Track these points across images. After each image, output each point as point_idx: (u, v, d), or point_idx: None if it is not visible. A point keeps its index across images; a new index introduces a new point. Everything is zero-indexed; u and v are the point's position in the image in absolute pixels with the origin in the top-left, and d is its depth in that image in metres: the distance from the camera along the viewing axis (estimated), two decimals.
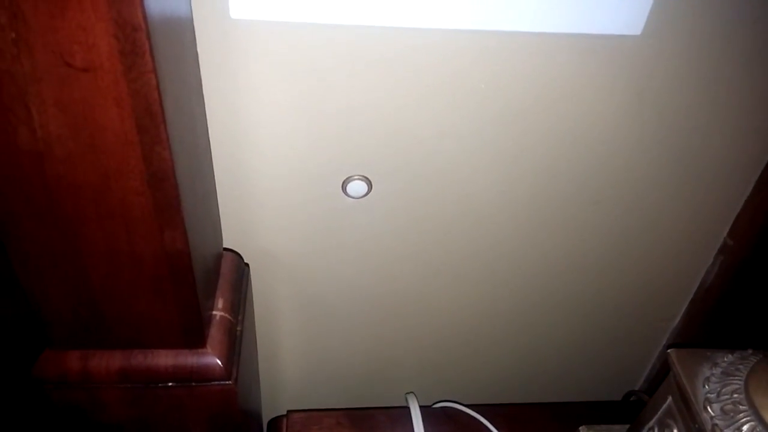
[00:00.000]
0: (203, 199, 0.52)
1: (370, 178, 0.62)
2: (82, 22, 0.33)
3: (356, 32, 0.51)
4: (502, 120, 0.58)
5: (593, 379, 0.88)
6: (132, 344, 0.50)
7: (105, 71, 0.34)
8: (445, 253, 0.70)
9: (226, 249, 0.63)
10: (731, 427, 0.44)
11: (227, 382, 0.52)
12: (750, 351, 0.50)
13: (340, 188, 0.62)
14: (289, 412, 0.72)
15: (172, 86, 0.39)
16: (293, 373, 0.82)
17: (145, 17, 0.33)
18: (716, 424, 0.45)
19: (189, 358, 0.51)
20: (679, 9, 0.52)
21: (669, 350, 0.51)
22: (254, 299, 0.70)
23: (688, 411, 0.48)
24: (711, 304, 0.75)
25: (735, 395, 0.46)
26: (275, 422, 0.72)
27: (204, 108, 0.53)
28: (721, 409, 0.46)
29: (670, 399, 0.52)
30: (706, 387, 0.48)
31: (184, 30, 0.44)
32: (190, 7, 0.47)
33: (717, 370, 0.49)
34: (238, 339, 0.55)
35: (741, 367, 0.49)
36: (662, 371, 0.84)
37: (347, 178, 0.61)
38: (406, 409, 0.69)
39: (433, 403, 0.75)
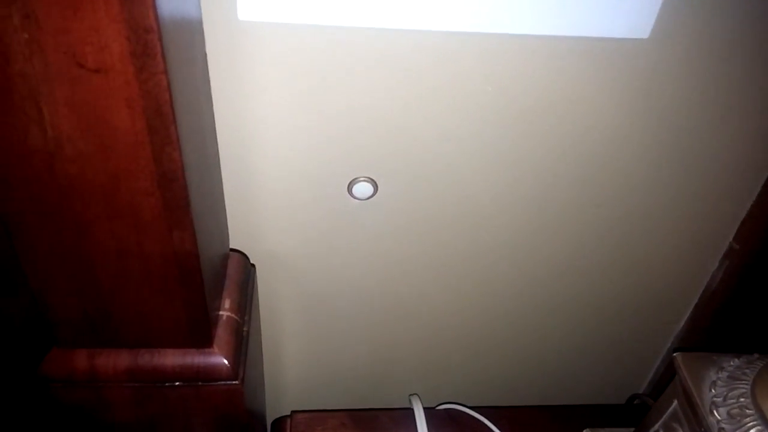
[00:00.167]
0: (211, 199, 0.52)
1: (375, 180, 0.62)
2: (94, 24, 0.33)
3: (363, 34, 0.51)
4: (507, 122, 0.58)
5: (597, 383, 0.88)
6: (139, 343, 0.50)
7: (116, 72, 0.35)
8: (450, 255, 0.70)
9: (232, 250, 0.64)
10: (738, 431, 0.44)
11: (234, 382, 0.52)
12: (756, 355, 0.50)
13: (346, 190, 0.62)
14: (293, 412, 0.72)
15: (183, 87, 0.39)
16: (297, 374, 0.82)
17: (157, 19, 0.33)
18: (723, 428, 0.45)
19: (196, 358, 0.51)
20: (687, 12, 0.52)
21: (675, 354, 0.51)
22: (259, 300, 0.70)
23: (694, 415, 0.48)
24: (716, 308, 0.75)
25: (742, 399, 0.46)
26: (279, 423, 0.72)
27: (212, 109, 0.53)
28: (728, 413, 0.46)
29: (675, 403, 0.52)
30: (713, 391, 0.48)
31: (193, 32, 0.45)
32: (200, 9, 0.47)
33: (723, 374, 0.49)
34: (244, 339, 0.56)
35: (747, 371, 0.49)
36: (666, 375, 0.84)
37: (353, 180, 0.62)
38: (410, 411, 0.69)
39: (437, 405, 0.75)
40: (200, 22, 0.48)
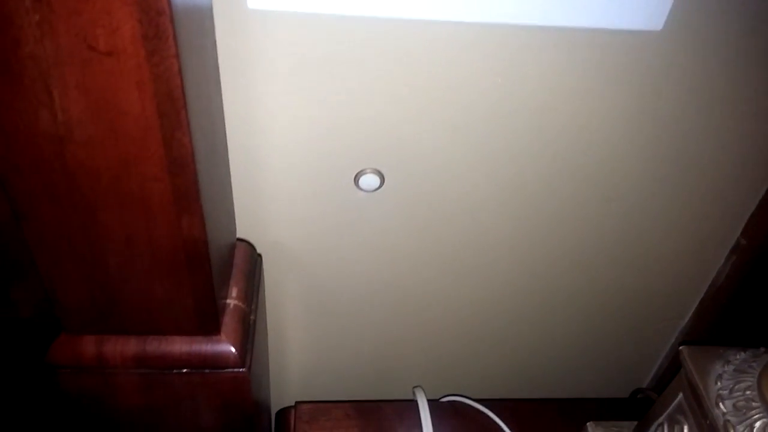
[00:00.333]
0: (220, 187, 0.52)
1: (382, 172, 0.62)
2: (106, 6, 0.33)
3: (372, 24, 0.51)
4: (517, 114, 0.58)
5: (601, 377, 0.88)
6: (147, 330, 0.50)
7: (128, 55, 0.35)
8: (456, 248, 0.70)
9: (239, 239, 0.64)
10: (743, 424, 0.44)
11: (241, 370, 0.52)
12: (763, 349, 0.50)
13: (353, 181, 0.62)
14: (297, 403, 0.72)
15: (193, 72, 0.39)
16: (301, 365, 0.82)
17: (169, 2, 0.33)
18: (728, 420, 0.45)
19: (203, 345, 0.51)
20: (702, 4, 0.51)
21: (681, 347, 0.51)
22: (265, 290, 0.70)
23: (699, 407, 0.48)
24: (721, 304, 0.75)
25: (748, 392, 0.46)
26: (284, 413, 0.73)
27: (221, 97, 0.53)
28: (734, 405, 0.46)
29: (680, 395, 0.52)
30: (719, 384, 0.48)
31: (204, 18, 0.45)
32: None
33: (729, 368, 0.49)
34: (251, 328, 0.56)
35: (754, 364, 0.48)
36: (670, 370, 0.84)
37: (360, 172, 0.61)
38: (414, 403, 0.69)
39: (441, 397, 0.75)
40: (210, 9, 0.47)
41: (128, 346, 0.50)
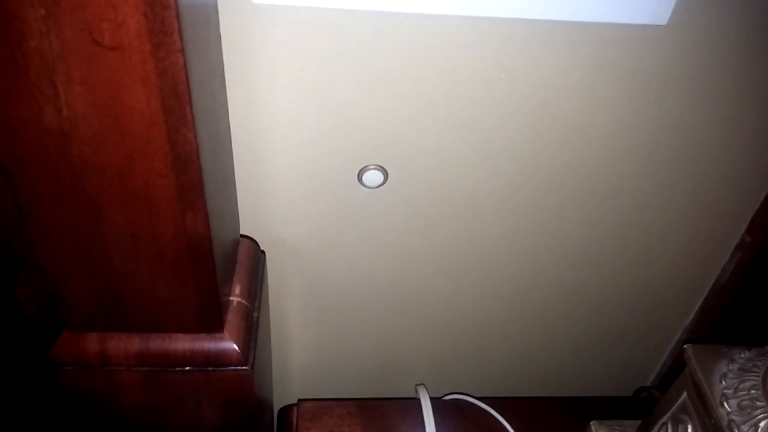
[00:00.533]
0: (224, 183, 0.52)
1: (386, 168, 0.62)
2: (111, 0, 0.33)
3: (376, 19, 0.51)
4: (521, 110, 0.58)
5: (604, 375, 0.88)
6: (150, 327, 0.50)
7: (133, 50, 0.34)
8: (460, 245, 0.70)
9: (242, 236, 0.63)
10: (748, 423, 0.44)
11: (244, 368, 0.52)
12: None
13: (356, 178, 0.62)
14: (299, 400, 0.72)
15: (198, 67, 0.39)
16: (304, 363, 0.82)
17: None
18: (733, 420, 0.45)
19: (206, 343, 0.51)
20: None
21: (685, 345, 0.51)
22: (268, 287, 0.70)
23: (703, 406, 0.48)
24: (726, 301, 0.74)
25: (752, 391, 0.46)
26: (286, 411, 0.72)
27: (225, 92, 0.53)
28: (738, 404, 0.46)
29: (685, 394, 0.52)
30: (723, 383, 0.48)
31: (209, 12, 0.44)
32: None
33: (734, 366, 0.49)
34: (254, 325, 0.55)
35: (759, 363, 0.48)
36: (674, 368, 0.83)
37: (363, 168, 0.61)
38: (417, 401, 0.69)
39: (444, 395, 0.75)
40: (215, 4, 0.47)
41: (131, 344, 0.50)
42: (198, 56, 0.39)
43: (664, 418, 0.55)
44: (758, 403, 0.45)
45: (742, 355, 0.49)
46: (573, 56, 0.54)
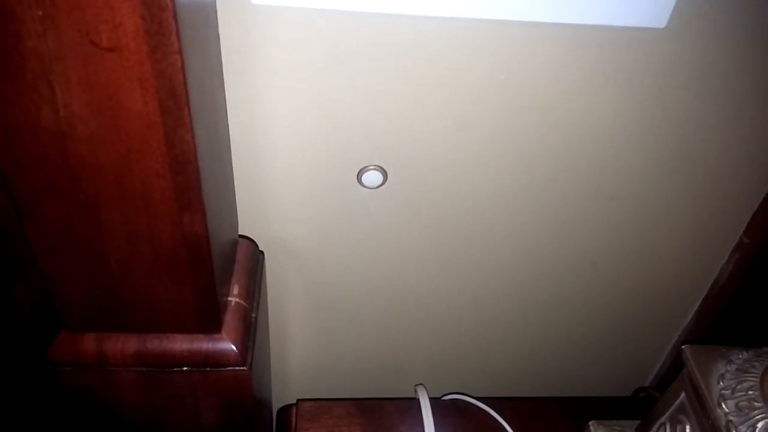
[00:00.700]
0: (222, 184, 0.52)
1: (385, 169, 0.61)
2: (108, 1, 0.32)
3: (376, 20, 0.51)
4: (520, 112, 0.58)
5: (603, 375, 0.88)
6: (148, 328, 0.50)
7: (130, 51, 0.34)
8: (460, 245, 0.70)
9: (241, 236, 0.63)
10: (746, 424, 0.44)
11: (242, 368, 0.52)
12: (766, 348, 0.50)
13: (356, 178, 0.62)
14: (298, 401, 0.72)
15: (196, 69, 0.39)
16: (303, 363, 0.82)
17: None
18: (731, 421, 0.45)
19: (204, 343, 0.51)
20: (706, 0, 0.51)
21: (683, 346, 0.51)
22: (267, 287, 0.70)
23: (701, 407, 0.48)
24: (724, 302, 0.74)
25: (750, 392, 0.46)
26: (285, 411, 0.72)
27: (224, 92, 0.53)
28: (736, 405, 0.46)
29: (683, 395, 0.52)
30: (721, 383, 0.48)
31: (207, 13, 0.44)
32: None
33: (732, 367, 0.49)
34: (252, 326, 0.55)
35: (757, 364, 0.48)
36: (673, 368, 0.83)
37: (362, 168, 0.61)
38: (416, 401, 0.69)
39: (443, 395, 0.75)
40: (214, 4, 0.47)
41: (129, 344, 0.50)
42: (196, 57, 0.39)
43: (663, 419, 0.55)
44: (756, 403, 0.45)
45: (740, 356, 0.49)
46: (572, 59, 0.54)
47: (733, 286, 0.73)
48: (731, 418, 0.45)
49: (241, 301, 0.55)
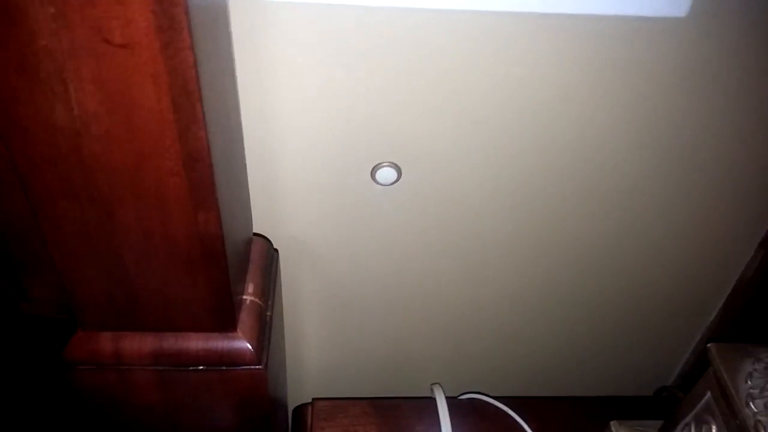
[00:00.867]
0: (236, 181, 0.52)
1: (399, 165, 0.61)
2: None
3: (389, 14, 0.50)
4: (537, 106, 0.57)
5: (624, 374, 0.87)
6: (164, 327, 0.50)
7: (142, 47, 0.34)
8: (475, 243, 0.69)
9: (255, 234, 0.63)
10: None
11: (257, 367, 0.52)
12: None
13: (369, 175, 0.61)
14: (314, 400, 0.72)
15: (209, 65, 0.39)
16: (318, 361, 0.82)
17: None
18: (759, 420, 0.44)
19: (220, 342, 0.51)
20: None
21: (709, 344, 0.50)
22: (281, 286, 0.70)
23: (728, 407, 0.47)
24: (749, 299, 0.73)
25: None
26: (301, 410, 0.72)
27: (236, 89, 0.53)
28: (765, 405, 0.45)
29: (708, 394, 0.51)
30: (749, 382, 0.47)
31: (219, 9, 0.44)
32: None
33: (760, 365, 0.48)
34: (267, 324, 0.55)
35: None
36: (696, 367, 0.82)
37: (377, 165, 0.61)
38: (432, 400, 0.69)
39: (460, 395, 0.74)
40: (225, 0, 0.47)
41: (145, 343, 0.50)
42: (208, 54, 0.39)
43: (687, 419, 0.54)
44: None
45: None
46: (589, 50, 0.53)
47: (759, 283, 0.71)
48: (760, 417, 0.44)
49: (256, 300, 0.55)
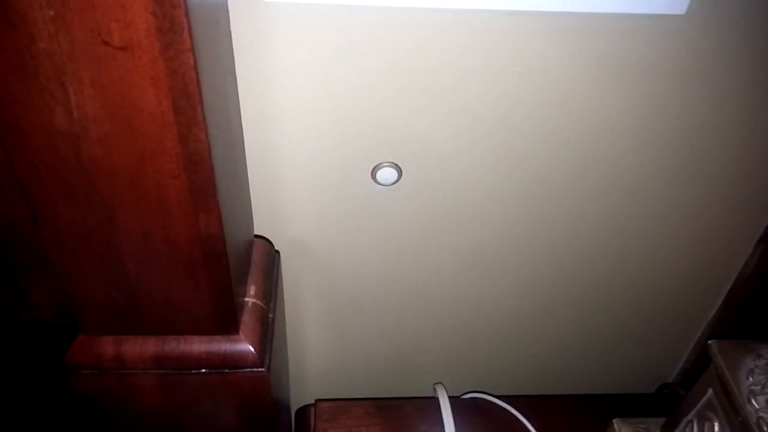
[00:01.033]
0: (237, 183, 0.52)
1: (400, 165, 0.61)
2: None
3: (390, 15, 0.50)
4: (536, 105, 0.57)
5: (626, 372, 0.87)
6: (165, 330, 0.50)
7: (142, 50, 0.34)
8: (476, 242, 0.69)
9: (256, 236, 0.63)
10: None
11: (260, 370, 0.52)
12: None
13: (370, 175, 0.61)
14: (317, 401, 0.71)
15: (209, 66, 0.39)
16: (321, 362, 0.82)
17: None
18: (761, 417, 0.44)
19: (222, 345, 0.50)
20: None
21: (710, 341, 0.50)
22: (283, 287, 0.70)
23: (730, 404, 0.47)
24: (750, 296, 0.73)
25: None
26: (304, 411, 0.72)
27: (237, 91, 0.52)
28: (767, 401, 0.45)
29: (710, 391, 0.51)
30: (750, 379, 0.47)
31: (219, 10, 0.44)
32: None
33: (761, 362, 0.48)
34: (270, 326, 0.55)
35: None
36: (697, 364, 0.82)
37: (377, 165, 0.61)
38: (435, 400, 0.69)
39: (462, 394, 0.74)
40: (225, 1, 0.47)
41: (147, 347, 0.50)
42: (208, 55, 0.39)
43: (690, 416, 0.54)
44: None
45: None
46: (589, 49, 0.53)
47: (759, 279, 0.71)
48: (762, 414, 0.44)
49: (258, 302, 0.54)
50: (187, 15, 0.33)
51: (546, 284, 0.74)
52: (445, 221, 0.66)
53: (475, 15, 0.51)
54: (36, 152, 0.38)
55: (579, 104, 0.57)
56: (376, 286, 0.73)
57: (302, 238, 0.67)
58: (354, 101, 0.56)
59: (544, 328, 0.80)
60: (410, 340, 0.80)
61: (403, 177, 0.62)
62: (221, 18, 0.45)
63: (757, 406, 0.45)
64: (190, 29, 0.34)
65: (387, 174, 0.61)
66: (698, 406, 0.53)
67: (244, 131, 0.56)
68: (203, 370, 0.51)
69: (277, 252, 0.66)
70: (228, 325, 0.50)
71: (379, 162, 0.61)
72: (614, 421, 0.66)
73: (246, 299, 0.54)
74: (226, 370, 0.52)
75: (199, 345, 0.50)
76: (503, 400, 0.72)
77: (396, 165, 0.61)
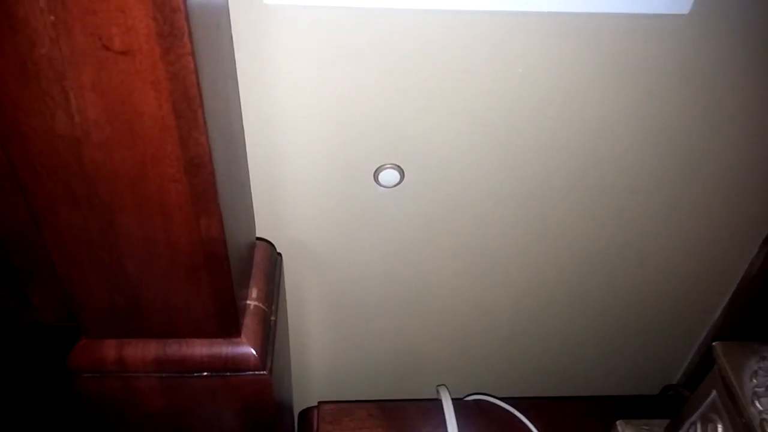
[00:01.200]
0: (238, 186, 0.52)
1: (402, 167, 0.61)
2: (120, 4, 0.32)
3: (391, 16, 0.50)
4: (539, 105, 0.57)
5: (630, 373, 0.86)
6: (167, 333, 0.50)
7: (143, 54, 0.34)
8: (479, 244, 0.69)
9: (258, 238, 0.63)
10: None
11: (262, 373, 0.52)
12: None
13: (372, 177, 0.61)
14: (320, 403, 0.71)
15: (209, 70, 0.39)
16: (324, 364, 0.82)
17: None
18: (765, 419, 0.44)
19: (224, 348, 0.51)
20: None
21: (714, 343, 0.50)
22: (286, 290, 0.70)
23: (734, 405, 0.47)
24: (754, 297, 0.73)
25: None
26: (306, 413, 0.72)
27: (238, 94, 0.52)
28: None
29: (714, 393, 0.51)
30: (754, 381, 0.47)
31: (220, 14, 0.44)
32: None
33: (765, 364, 0.48)
34: (272, 329, 0.55)
35: None
36: (701, 365, 0.82)
37: (379, 167, 0.61)
38: (438, 402, 0.69)
39: (465, 396, 0.74)
40: (226, 4, 0.47)
41: (148, 350, 0.50)
42: (209, 59, 0.39)
43: (693, 418, 0.54)
44: None
45: None
46: (591, 49, 0.53)
47: (764, 280, 0.71)
48: (766, 416, 0.44)
49: (260, 305, 0.54)
50: (187, 19, 0.33)
51: (549, 286, 0.74)
52: (448, 223, 0.66)
53: (475, 16, 0.50)
54: (37, 156, 0.38)
55: (582, 105, 0.57)
56: (378, 288, 0.73)
57: (304, 240, 0.67)
58: (356, 103, 0.56)
59: (547, 330, 0.80)
60: (413, 341, 0.80)
61: (405, 179, 0.62)
62: (222, 21, 0.45)
63: (760, 408, 0.45)
64: (190, 33, 0.34)
65: (389, 176, 0.61)
66: (702, 407, 0.53)
67: (245, 134, 0.56)
68: (205, 373, 0.51)
69: (279, 254, 0.66)
70: (230, 328, 0.50)
71: (382, 164, 0.60)
72: (618, 422, 0.66)
73: (248, 302, 0.54)
74: (228, 373, 0.52)
75: (200, 348, 0.51)
76: (506, 402, 0.72)
77: (398, 167, 0.61)
